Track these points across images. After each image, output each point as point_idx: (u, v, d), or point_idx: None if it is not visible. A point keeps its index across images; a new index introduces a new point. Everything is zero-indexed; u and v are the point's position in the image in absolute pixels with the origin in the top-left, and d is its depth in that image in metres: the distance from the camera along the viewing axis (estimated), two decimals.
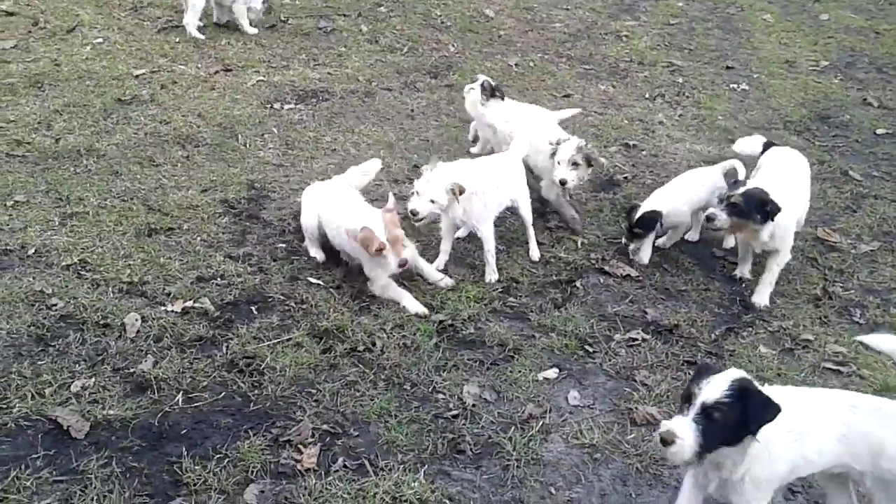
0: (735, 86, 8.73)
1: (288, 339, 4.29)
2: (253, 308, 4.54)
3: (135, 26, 8.75)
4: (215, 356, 4.11)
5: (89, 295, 4.42)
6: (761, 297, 4.99)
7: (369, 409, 3.85)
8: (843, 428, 2.96)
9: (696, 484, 3.02)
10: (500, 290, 4.95)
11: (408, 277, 4.89)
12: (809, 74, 9.18)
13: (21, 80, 7.11)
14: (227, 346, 4.18)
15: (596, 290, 5.06)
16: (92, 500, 3.20)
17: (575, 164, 5.31)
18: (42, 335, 4.07)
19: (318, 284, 4.80)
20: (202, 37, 8.52)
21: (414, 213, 4.72)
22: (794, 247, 5.33)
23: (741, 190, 4.78)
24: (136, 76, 7.48)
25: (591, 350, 4.46)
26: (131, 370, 3.92)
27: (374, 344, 4.31)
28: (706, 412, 2.71)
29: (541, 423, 3.86)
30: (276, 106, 7.25)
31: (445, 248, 5.12)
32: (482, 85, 6.34)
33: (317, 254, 5.05)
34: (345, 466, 3.51)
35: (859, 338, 3.47)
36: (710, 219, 4.77)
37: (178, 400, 3.78)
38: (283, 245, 5.19)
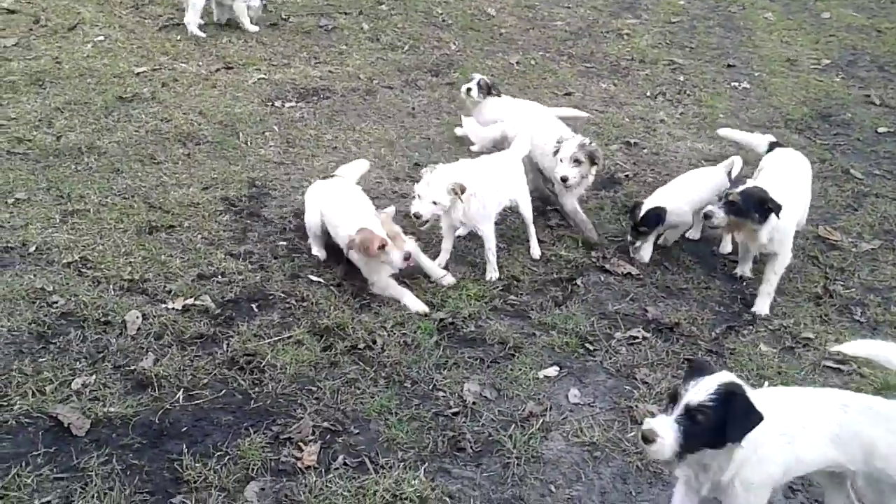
0: (736, 84, 8.72)
1: (288, 337, 4.29)
2: (254, 306, 4.54)
3: (136, 24, 8.76)
4: (216, 354, 4.11)
5: (90, 292, 4.43)
6: (762, 307, 4.94)
7: (370, 406, 3.86)
8: (836, 428, 2.95)
9: (690, 487, 3.02)
10: (501, 288, 4.95)
11: (408, 276, 4.89)
12: (811, 73, 9.17)
13: (22, 78, 7.12)
14: (228, 344, 4.19)
15: (597, 289, 5.06)
16: (92, 497, 3.20)
17: (577, 162, 5.29)
18: (43, 332, 4.08)
19: (319, 282, 4.80)
20: (203, 35, 8.52)
21: (417, 216, 4.71)
22: (795, 245, 5.32)
23: (740, 188, 4.75)
24: (138, 74, 7.49)
25: (591, 348, 4.46)
26: (132, 367, 3.92)
27: (374, 342, 4.31)
28: (689, 413, 2.70)
29: (541, 421, 3.86)
30: (277, 104, 7.25)
31: (446, 246, 5.12)
32: (478, 83, 6.40)
33: (319, 252, 5.05)
34: (345, 464, 3.52)
35: (836, 348, 3.43)
36: (707, 216, 4.74)
37: (178, 397, 3.78)
38: (284, 243, 5.19)
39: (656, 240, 5.45)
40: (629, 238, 5.42)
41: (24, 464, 3.30)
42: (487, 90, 6.46)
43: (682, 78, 8.82)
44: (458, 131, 6.94)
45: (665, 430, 2.69)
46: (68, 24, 8.49)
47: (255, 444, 3.55)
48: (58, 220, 5.10)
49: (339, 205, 4.91)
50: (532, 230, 5.36)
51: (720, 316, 4.90)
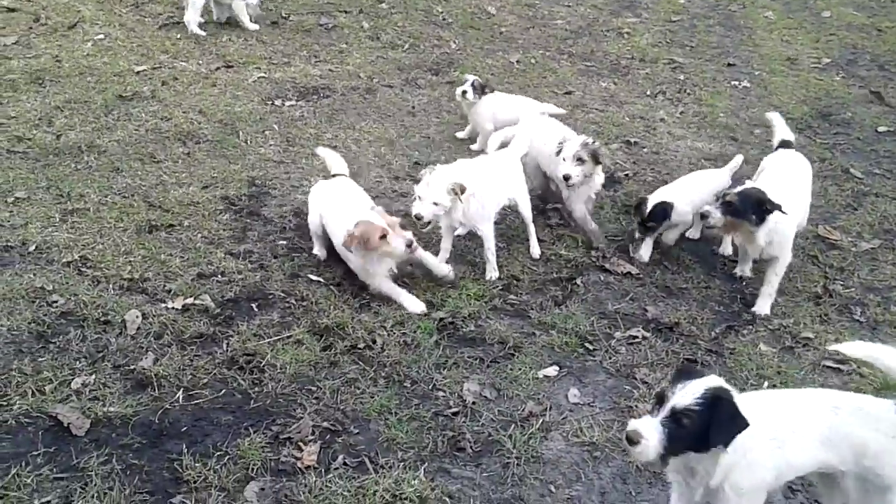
0: (736, 83, 8.72)
1: (288, 337, 4.29)
2: (253, 305, 4.54)
3: (136, 23, 8.76)
4: (216, 353, 4.11)
5: (90, 292, 4.43)
6: (762, 307, 4.92)
7: (369, 406, 3.86)
8: (826, 430, 2.94)
9: (683, 494, 3.02)
10: (501, 287, 4.94)
11: (408, 275, 4.89)
12: (811, 72, 9.17)
13: (22, 77, 7.12)
14: (228, 344, 4.19)
15: (596, 288, 5.05)
16: (92, 497, 3.20)
17: (580, 160, 5.25)
18: (42, 332, 4.08)
19: (319, 282, 4.80)
20: (203, 33, 8.52)
21: (419, 218, 4.69)
22: (795, 244, 5.31)
23: (737, 189, 4.71)
24: (137, 72, 7.49)
25: (591, 348, 4.46)
26: (132, 367, 3.92)
27: (374, 341, 4.31)
28: (674, 416, 2.69)
29: (541, 420, 3.86)
30: (277, 102, 7.25)
31: (446, 246, 5.11)
32: (472, 84, 6.46)
33: (319, 251, 5.04)
34: (345, 464, 3.52)
35: (835, 347, 3.42)
36: (704, 216, 4.70)
37: (178, 397, 3.78)
38: (284, 242, 5.19)
39: (656, 239, 5.44)
40: (637, 234, 5.40)
41: (23, 463, 3.30)
42: (482, 90, 6.53)
43: (682, 77, 8.81)
44: (459, 134, 6.94)
45: (649, 431, 2.68)
46: (68, 22, 8.49)
47: (255, 443, 3.55)
48: (57, 219, 5.10)
49: (335, 205, 4.90)
50: (532, 229, 5.36)
51: (720, 315, 4.90)
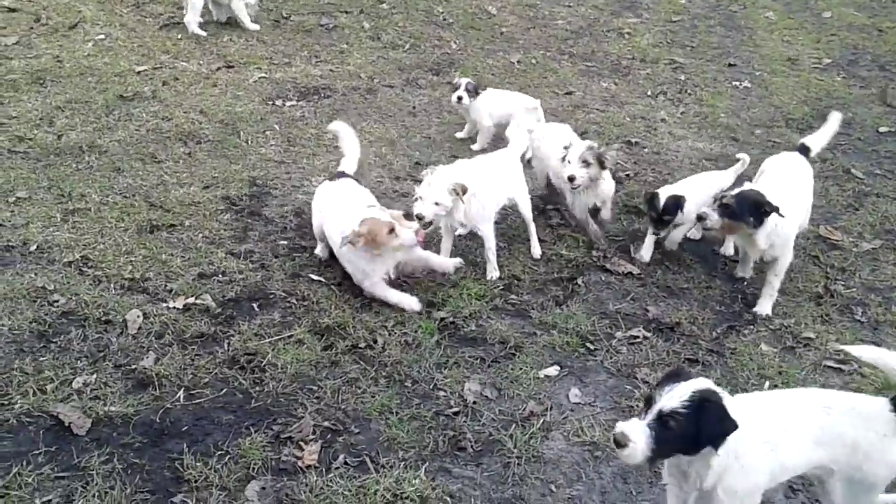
0: (737, 83, 8.72)
1: (289, 336, 4.29)
2: (254, 305, 4.54)
3: (137, 23, 8.76)
4: (217, 353, 4.11)
5: (91, 291, 4.43)
6: (764, 308, 4.91)
7: (370, 406, 3.86)
8: (818, 431, 2.94)
9: (678, 496, 3.01)
10: (502, 287, 4.94)
11: (409, 275, 4.89)
12: (812, 72, 9.17)
13: (23, 77, 7.12)
14: (229, 343, 4.19)
15: (597, 288, 5.05)
16: (93, 496, 3.20)
17: (585, 163, 5.20)
18: (44, 331, 4.08)
19: (320, 281, 4.80)
20: (204, 34, 8.53)
21: (420, 218, 4.68)
22: (796, 245, 5.31)
23: (735, 191, 4.67)
24: (138, 73, 7.49)
25: (592, 348, 4.46)
26: (133, 367, 3.93)
27: (375, 341, 4.31)
28: (661, 419, 2.68)
29: (542, 420, 3.86)
30: (278, 103, 7.25)
31: (446, 246, 5.11)
32: (466, 88, 6.50)
33: (321, 252, 5.04)
34: (346, 463, 3.52)
35: (840, 347, 3.42)
36: (701, 218, 4.68)
37: (179, 396, 3.78)
38: (285, 242, 5.19)
39: (657, 240, 5.43)
40: (651, 230, 5.34)
41: (24, 463, 3.30)
42: (475, 92, 6.58)
43: (682, 77, 8.81)
44: (459, 134, 6.96)
45: (637, 434, 2.68)
46: (69, 22, 8.50)
47: (256, 443, 3.55)
48: (59, 219, 5.10)
49: (333, 208, 4.82)
50: (532, 229, 5.36)
51: (721, 315, 4.90)
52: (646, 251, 5.37)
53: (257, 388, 3.91)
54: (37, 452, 3.37)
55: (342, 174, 5.18)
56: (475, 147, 6.69)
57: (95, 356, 3.97)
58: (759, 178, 5.24)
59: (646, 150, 7.06)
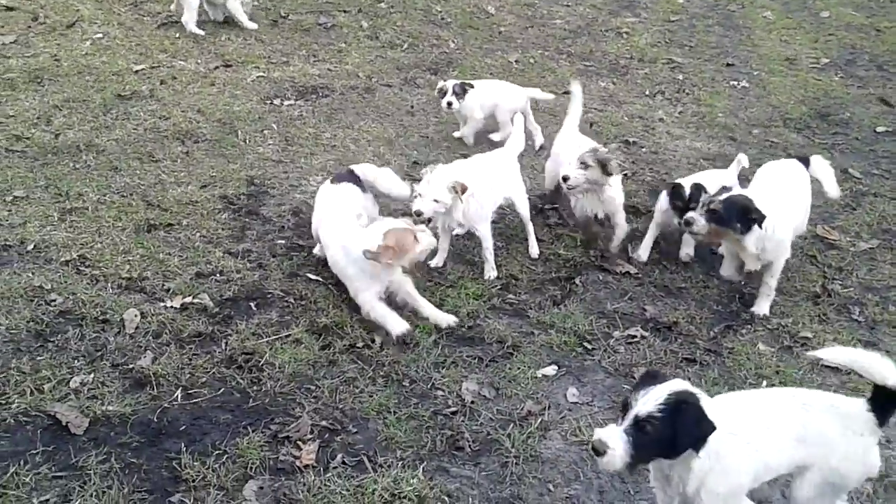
0: (735, 83, 8.72)
1: (287, 336, 4.29)
2: (252, 304, 4.54)
3: (135, 21, 8.75)
4: (214, 352, 4.11)
5: (88, 290, 4.42)
6: (761, 308, 4.90)
7: (368, 405, 3.86)
8: (800, 429, 2.93)
9: (664, 501, 3.00)
10: (499, 286, 4.95)
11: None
12: (810, 72, 9.17)
13: (21, 76, 7.11)
14: (226, 343, 4.19)
15: (595, 287, 5.06)
16: (91, 495, 3.20)
17: (584, 165, 5.05)
18: (41, 331, 4.08)
19: (318, 281, 4.80)
20: (202, 33, 8.52)
21: (419, 214, 4.68)
22: (794, 244, 5.32)
23: (723, 196, 4.58)
24: (136, 72, 7.48)
25: (589, 347, 4.46)
26: (130, 366, 3.92)
27: (373, 340, 4.31)
28: (638, 424, 2.66)
29: (539, 420, 3.86)
30: (276, 102, 7.24)
31: (443, 246, 5.11)
32: (454, 91, 6.48)
33: (319, 251, 5.01)
34: (343, 463, 3.52)
35: (813, 353, 3.39)
36: (688, 223, 4.61)
37: (177, 396, 3.78)
38: (283, 241, 5.19)
39: (656, 239, 5.43)
40: (677, 221, 5.10)
41: (22, 462, 3.30)
42: (463, 92, 6.56)
43: (681, 77, 8.81)
44: (457, 134, 6.96)
45: (615, 440, 2.65)
46: (67, 21, 8.48)
47: (254, 442, 3.55)
48: (56, 219, 5.10)
49: (333, 220, 4.65)
50: (530, 228, 5.36)
51: (718, 315, 4.91)
52: (643, 251, 5.37)
53: (255, 388, 3.91)
54: (34, 452, 3.37)
55: (344, 176, 4.97)
56: (458, 134, 6.80)
57: (93, 355, 3.96)
58: (753, 183, 5.20)
59: (643, 149, 7.06)
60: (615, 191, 5.27)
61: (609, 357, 4.39)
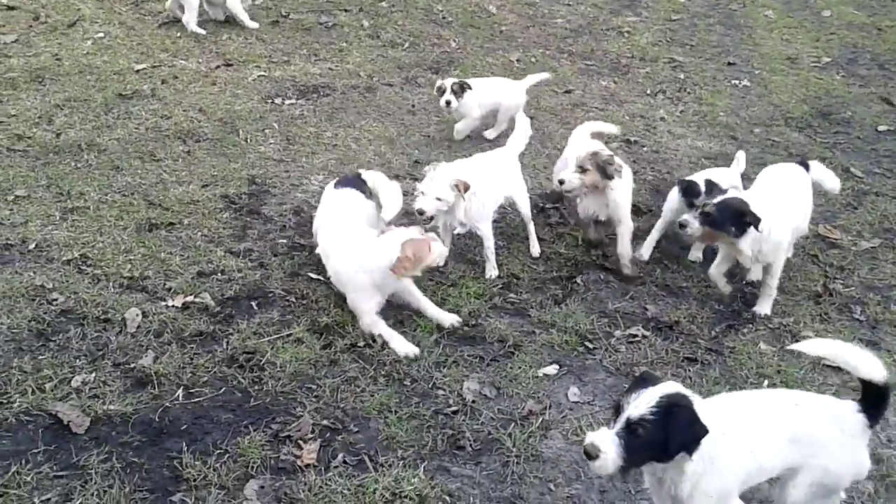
0: (736, 82, 8.72)
1: (288, 335, 4.29)
2: (253, 303, 4.54)
3: (136, 21, 8.75)
4: (216, 351, 4.11)
5: (90, 290, 4.43)
6: (763, 308, 4.89)
7: (369, 405, 3.86)
8: (792, 429, 2.92)
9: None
10: (501, 286, 4.95)
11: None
12: (811, 71, 9.17)
13: (22, 75, 7.11)
14: (228, 342, 4.19)
15: (596, 287, 5.05)
16: (92, 495, 3.20)
17: (582, 169, 4.95)
18: (42, 330, 4.08)
19: (319, 280, 4.80)
20: (203, 32, 8.52)
21: (421, 213, 4.67)
22: (795, 244, 5.32)
23: (718, 198, 4.57)
24: (137, 71, 7.48)
25: (591, 346, 4.46)
26: (132, 365, 3.92)
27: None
28: (630, 427, 2.64)
29: (540, 419, 3.86)
30: (277, 101, 7.24)
31: (444, 244, 5.10)
32: (452, 91, 6.48)
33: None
34: (344, 462, 3.52)
35: (794, 346, 3.37)
36: (682, 225, 4.59)
37: (178, 395, 3.78)
38: (284, 240, 5.19)
39: (658, 239, 5.42)
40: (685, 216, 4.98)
41: (23, 461, 3.30)
42: (461, 91, 6.54)
43: (682, 76, 8.81)
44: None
45: (607, 444, 2.64)
46: (68, 20, 8.49)
47: (255, 442, 3.55)
48: (57, 218, 5.10)
49: (336, 229, 4.55)
50: (531, 228, 5.36)
51: (720, 314, 4.90)
52: (646, 249, 5.36)
53: (256, 387, 3.91)
54: (36, 451, 3.37)
55: (349, 181, 4.87)
56: (458, 126, 6.78)
57: (94, 355, 3.97)
58: (754, 185, 5.18)
59: (645, 148, 7.06)
60: (621, 195, 5.14)
61: (610, 356, 4.39)
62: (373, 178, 4.96)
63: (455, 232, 5.19)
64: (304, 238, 5.18)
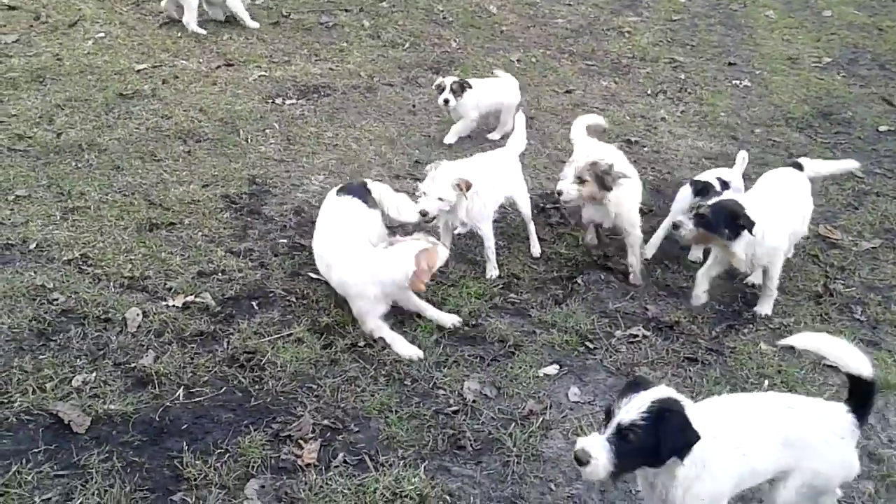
0: (737, 82, 8.72)
1: (289, 335, 4.29)
2: (254, 303, 4.54)
3: (136, 21, 8.75)
4: (216, 351, 4.11)
5: (90, 289, 4.43)
6: (764, 308, 4.87)
7: (370, 404, 3.86)
8: (785, 432, 2.91)
9: None
10: (501, 286, 4.94)
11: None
12: (812, 71, 9.17)
13: (23, 75, 7.12)
14: (228, 342, 4.19)
15: (597, 287, 5.05)
16: (93, 494, 3.20)
17: (580, 180, 4.81)
18: (43, 330, 4.08)
19: (319, 280, 4.79)
20: (204, 32, 8.53)
21: (424, 214, 4.67)
22: (796, 244, 5.32)
23: (713, 200, 4.54)
24: (138, 71, 7.48)
25: (591, 346, 4.46)
26: (132, 365, 3.92)
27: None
28: (621, 433, 2.62)
29: (541, 419, 3.86)
30: (278, 101, 7.24)
31: (445, 244, 5.09)
32: (452, 89, 6.46)
33: None
34: (345, 462, 3.52)
35: (784, 341, 3.36)
36: (676, 227, 4.57)
37: (178, 395, 3.78)
38: (285, 240, 5.19)
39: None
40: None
41: (24, 461, 3.30)
42: (461, 90, 6.53)
43: (682, 76, 8.81)
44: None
45: (597, 450, 2.62)
46: (69, 20, 8.49)
47: (256, 441, 3.55)
48: (58, 218, 5.10)
49: (341, 239, 4.47)
50: (532, 228, 5.36)
51: (720, 314, 4.90)
52: (650, 248, 5.35)
53: (257, 387, 3.91)
54: (36, 450, 3.37)
55: (352, 189, 4.77)
56: (446, 141, 6.75)
57: (95, 354, 3.97)
58: (752, 190, 5.16)
59: (645, 148, 7.06)
60: (625, 206, 4.99)
61: (611, 356, 4.39)
62: (378, 190, 4.85)
63: (456, 232, 5.20)
64: (304, 238, 5.18)
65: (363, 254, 4.35)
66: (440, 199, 4.66)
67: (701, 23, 10.61)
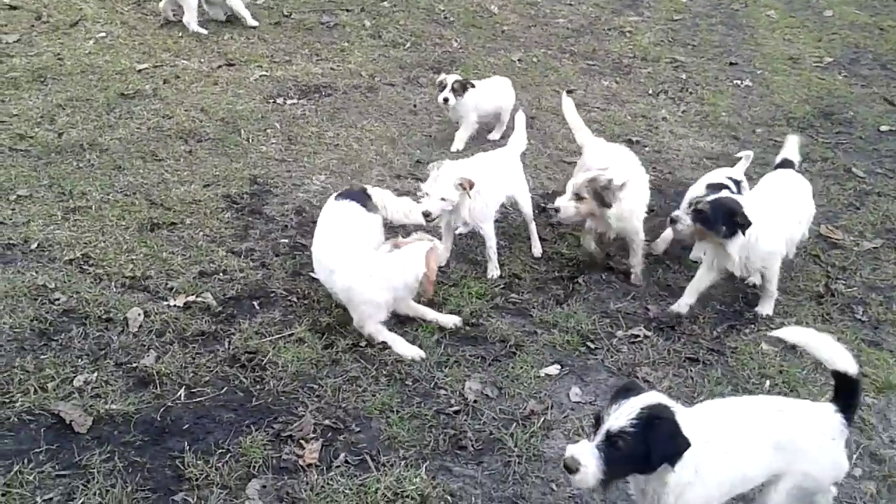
0: (738, 82, 8.71)
1: (290, 335, 4.29)
2: (255, 303, 4.54)
3: (138, 20, 8.76)
4: (217, 351, 4.11)
5: (92, 289, 4.43)
6: (765, 309, 4.86)
7: (371, 404, 3.86)
8: (776, 435, 2.90)
9: None
10: (502, 286, 4.94)
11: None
12: (813, 71, 9.16)
13: (24, 75, 7.12)
14: (230, 341, 4.19)
15: (598, 287, 5.05)
16: (94, 494, 3.20)
17: (578, 197, 4.72)
18: (45, 329, 4.08)
19: (320, 279, 4.79)
20: (204, 32, 8.53)
21: (427, 215, 4.65)
22: (797, 244, 5.31)
23: (711, 197, 4.52)
24: (139, 71, 7.49)
25: (592, 346, 4.46)
26: (134, 365, 3.93)
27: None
28: (610, 440, 2.60)
29: (542, 419, 3.86)
30: (279, 101, 7.25)
31: (446, 245, 5.10)
32: (453, 89, 6.44)
33: None
34: (346, 462, 3.52)
35: (773, 333, 3.35)
36: (673, 221, 4.55)
37: (180, 395, 3.79)
38: (286, 240, 5.19)
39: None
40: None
41: (26, 461, 3.30)
42: (462, 90, 6.51)
43: (684, 76, 8.80)
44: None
45: (587, 457, 2.60)
46: (70, 20, 8.50)
47: (257, 441, 3.55)
48: (59, 217, 5.10)
49: (340, 245, 4.38)
50: (533, 228, 5.36)
51: (722, 314, 4.90)
52: (662, 242, 5.33)
53: (258, 387, 3.91)
54: (38, 450, 3.38)
55: (350, 194, 4.69)
56: (453, 149, 6.64)
57: (96, 354, 3.97)
58: (752, 192, 5.15)
59: (647, 148, 7.05)
60: (626, 220, 4.92)
61: (612, 356, 4.39)
62: (379, 195, 4.78)
63: (457, 232, 5.19)
64: (306, 238, 5.18)
65: (369, 258, 4.30)
66: (443, 199, 4.66)
67: (702, 23, 10.61)
